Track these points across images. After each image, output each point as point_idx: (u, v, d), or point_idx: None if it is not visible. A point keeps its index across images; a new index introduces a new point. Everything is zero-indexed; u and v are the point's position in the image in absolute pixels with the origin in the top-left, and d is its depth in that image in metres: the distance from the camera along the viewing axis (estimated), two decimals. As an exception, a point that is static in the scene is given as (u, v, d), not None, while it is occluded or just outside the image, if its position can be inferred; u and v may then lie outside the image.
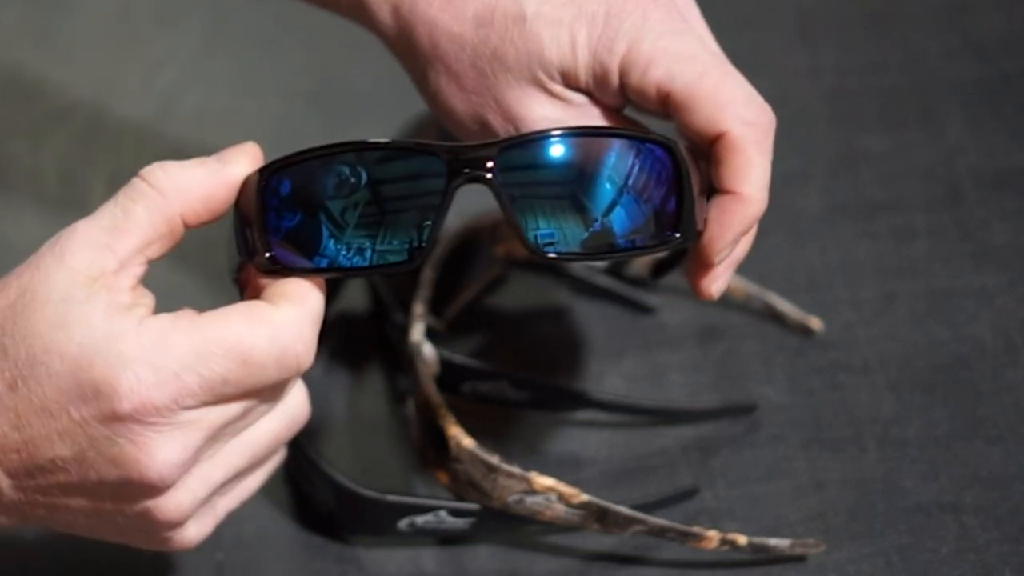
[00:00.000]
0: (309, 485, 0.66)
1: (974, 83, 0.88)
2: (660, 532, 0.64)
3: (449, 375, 0.69)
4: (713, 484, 0.69)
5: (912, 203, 0.82)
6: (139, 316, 0.53)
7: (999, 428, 0.71)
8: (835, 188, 0.83)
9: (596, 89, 0.58)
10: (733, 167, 0.56)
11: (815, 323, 0.75)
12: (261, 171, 0.55)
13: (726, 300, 0.77)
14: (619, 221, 0.55)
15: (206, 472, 0.54)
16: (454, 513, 0.65)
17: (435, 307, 0.72)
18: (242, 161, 0.55)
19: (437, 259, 0.73)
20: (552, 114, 0.58)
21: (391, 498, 0.65)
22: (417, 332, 0.69)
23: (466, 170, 0.54)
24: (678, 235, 0.56)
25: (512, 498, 0.63)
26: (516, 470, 0.63)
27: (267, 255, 0.55)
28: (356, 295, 0.77)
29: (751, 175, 0.56)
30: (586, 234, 0.55)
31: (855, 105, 0.88)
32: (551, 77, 0.57)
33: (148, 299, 0.54)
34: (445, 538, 0.66)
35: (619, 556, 0.66)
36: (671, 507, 0.67)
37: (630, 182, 0.55)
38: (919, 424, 0.71)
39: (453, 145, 0.54)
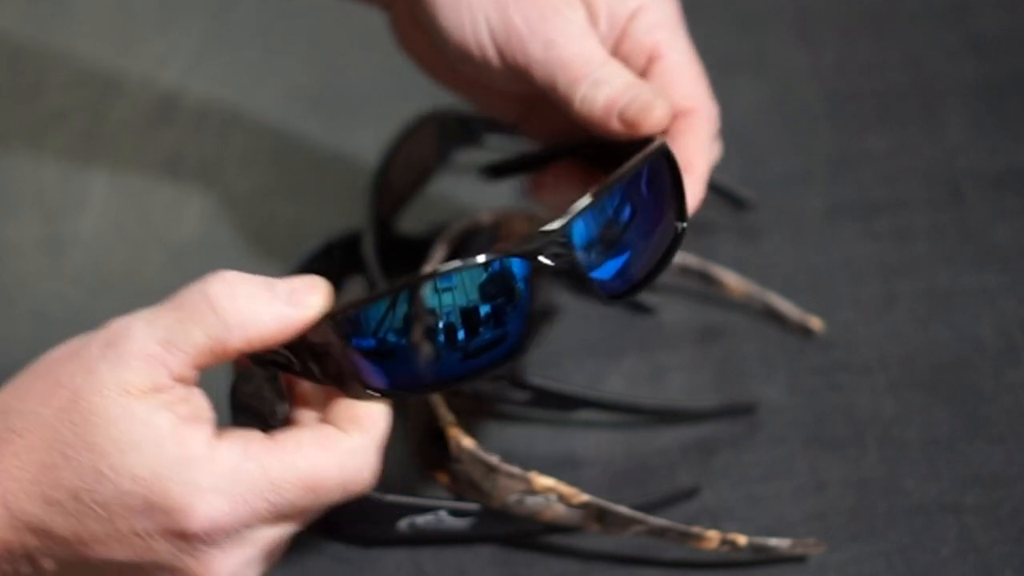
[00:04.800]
0: (309, 485, 0.66)
1: (975, 83, 0.88)
2: (660, 532, 0.64)
3: (449, 375, 0.69)
4: (713, 484, 0.69)
5: (912, 203, 0.82)
6: (207, 437, 0.53)
7: (1000, 428, 0.71)
8: (835, 188, 0.83)
9: (603, 20, 0.63)
10: (685, 144, 0.61)
11: (815, 323, 0.75)
12: (335, 317, 0.54)
13: (726, 300, 0.77)
14: (646, 243, 0.59)
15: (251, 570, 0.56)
16: (454, 513, 0.65)
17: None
18: (313, 305, 0.55)
19: (437, 259, 0.73)
20: (576, 17, 0.63)
21: (391, 498, 0.64)
22: (417, 332, 0.69)
23: (543, 264, 0.55)
24: (684, 224, 0.59)
25: (512, 498, 0.63)
26: (516, 470, 0.63)
27: (363, 385, 0.55)
28: (356, 293, 0.77)
29: (701, 155, 0.62)
30: (634, 264, 0.58)
31: (855, 105, 0.88)
32: None
33: (201, 400, 0.55)
34: (445, 538, 0.66)
35: (619, 557, 0.66)
36: (671, 507, 0.67)
37: (649, 200, 0.58)
38: (920, 424, 0.71)
39: (522, 249, 0.55)
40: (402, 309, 0.54)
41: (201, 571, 0.54)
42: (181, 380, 0.54)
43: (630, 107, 0.61)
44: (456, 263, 0.54)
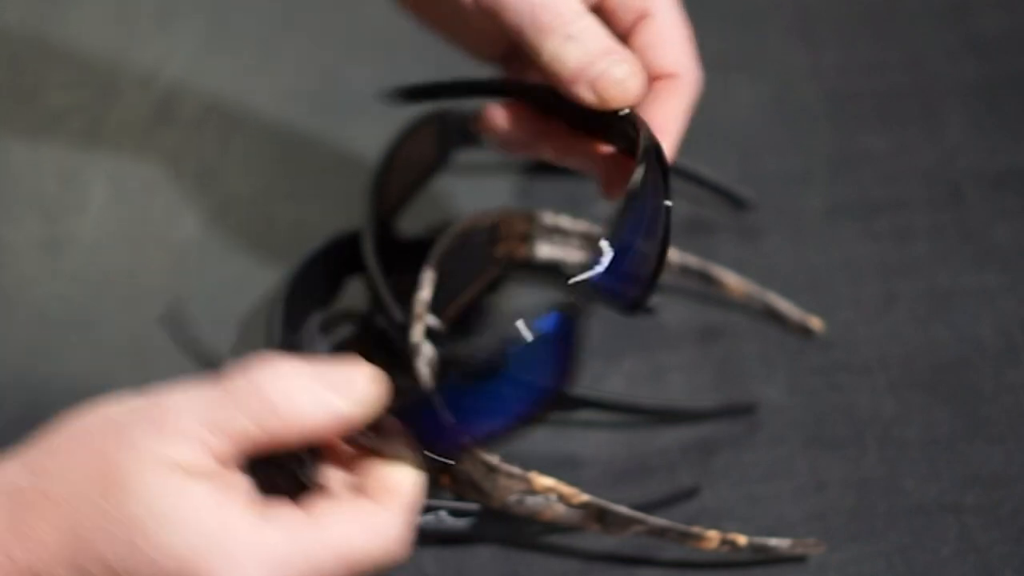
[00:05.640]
0: (309, 485, 0.66)
1: (975, 83, 0.88)
2: (660, 532, 0.64)
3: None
4: (713, 484, 0.69)
5: (912, 203, 0.82)
6: (246, 516, 0.52)
7: (1000, 428, 0.71)
8: (835, 188, 0.83)
9: None
10: (662, 109, 0.61)
11: (815, 323, 0.75)
12: (396, 411, 0.54)
13: (726, 300, 0.77)
14: (649, 240, 0.59)
15: None
16: (454, 513, 0.65)
17: (435, 307, 0.72)
18: (369, 401, 0.54)
19: (437, 258, 0.73)
20: None
21: (391, 498, 0.64)
22: (417, 332, 0.69)
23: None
24: (670, 202, 0.59)
25: (512, 498, 0.63)
26: (516, 470, 0.63)
27: (422, 452, 0.55)
28: (356, 294, 0.77)
29: (677, 121, 0.61)
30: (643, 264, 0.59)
31: (855, 105, 0.88)
32: None
33: (242, 482, 0.54)
34: (445, 538, 0.66)
35: (619, 557, 0.66)
36: (671, 507, 0.67)
37: (647, 203, 0.58)
38: (920, 424, 0.71)
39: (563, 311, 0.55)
40: (465, 392, 0.54)
41: None
42: (223, 464, 0.53)
43: (604, 78, 0.58)
44: (503, 348, 0.54)
